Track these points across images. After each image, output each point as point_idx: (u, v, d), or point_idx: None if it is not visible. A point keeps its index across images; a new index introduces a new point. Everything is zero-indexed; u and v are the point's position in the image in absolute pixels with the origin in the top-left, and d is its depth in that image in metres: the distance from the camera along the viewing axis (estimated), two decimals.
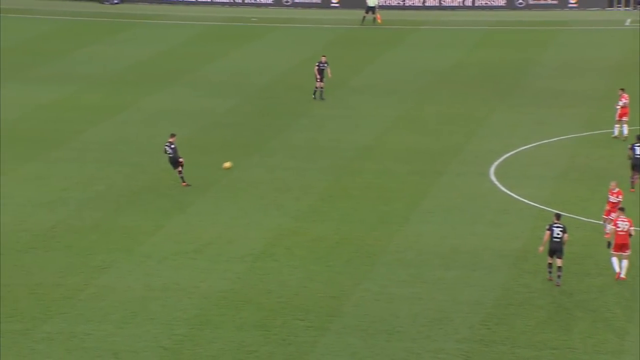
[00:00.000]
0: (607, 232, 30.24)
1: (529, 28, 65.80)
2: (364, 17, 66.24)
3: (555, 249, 28.38)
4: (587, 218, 33.11)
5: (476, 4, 71.81)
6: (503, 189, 36.06)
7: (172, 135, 36.48)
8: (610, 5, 69.72)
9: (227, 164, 37.21)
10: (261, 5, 73.67)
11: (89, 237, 31.96)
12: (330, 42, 61.35)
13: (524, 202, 34.64)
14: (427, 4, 72.26)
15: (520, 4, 71.43)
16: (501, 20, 67.95)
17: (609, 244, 29.72)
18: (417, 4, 72.41)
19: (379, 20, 65.86)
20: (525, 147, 40.83)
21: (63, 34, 64.44)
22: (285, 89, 50.08)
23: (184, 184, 36.11)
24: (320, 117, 45.37)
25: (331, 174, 37.78)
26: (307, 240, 31.66)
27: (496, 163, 38.77)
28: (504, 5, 71.54)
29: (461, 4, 71.97)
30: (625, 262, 28.73)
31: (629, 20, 65.85)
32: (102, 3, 74.18)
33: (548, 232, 28.49)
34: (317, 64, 47.77)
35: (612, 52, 56.98)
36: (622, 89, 42.16)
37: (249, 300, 27.71)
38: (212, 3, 74.11)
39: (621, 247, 28.68)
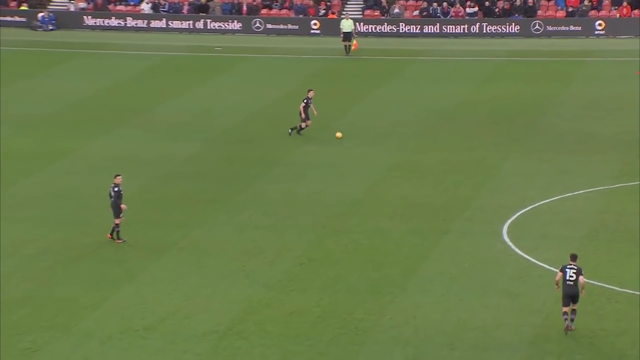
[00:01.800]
0: None
1: (548, 59, 66.32)
2: (345, 46, 66.77)
3: (569, 294, 29.50)
4: (621, 288, 33.03)
5: (485, 31, 72.41)
6: (519, 251, 36.01)
7: (117, 176, 36.53)
8: None
9: (339, 134, 46.73)
10: (227, 31, 74.07)
11: (17, 312, 31.66)
12: (311, 76, 61.64)
13: (544, 267, 34.58)
14: (425, 31, 72.85)
15: (537, 30, 72.08)
16: (515, 50, 68.51)
17: None
18: (413, 31, 73.02)
19: (354, 48, 66.44)
20: (545, 201, 40.88)
21: None
22: (257, 131, 50.16)
23: (119, 240, 36.13)
24: (300, 165, 45.40)
25: (312, 234, 37.70)
26: (282, 314, 31.48)
27: (510, 220, 38.78)
28: (517, 32, 72.18)
29: (466, 31, 72.55)
30: None
31: None
32: (34, 30, 74.43)
33: (560, 274, 29.63)
34: (304, 100, 48.30)
35: None
36: None
37: None
38: (167, 29, 74.48)
39: None
